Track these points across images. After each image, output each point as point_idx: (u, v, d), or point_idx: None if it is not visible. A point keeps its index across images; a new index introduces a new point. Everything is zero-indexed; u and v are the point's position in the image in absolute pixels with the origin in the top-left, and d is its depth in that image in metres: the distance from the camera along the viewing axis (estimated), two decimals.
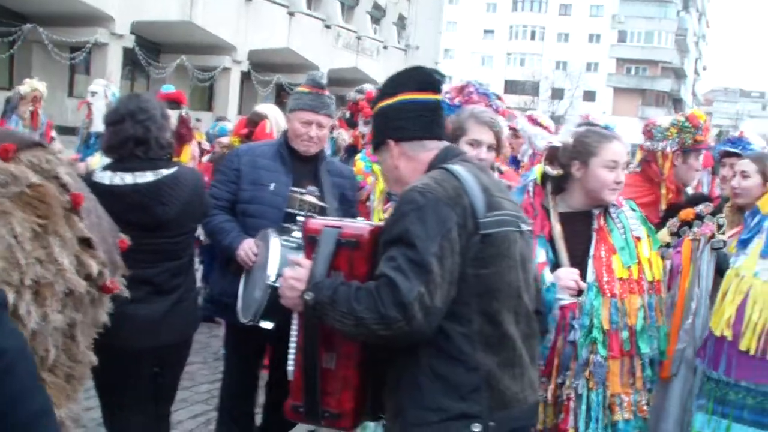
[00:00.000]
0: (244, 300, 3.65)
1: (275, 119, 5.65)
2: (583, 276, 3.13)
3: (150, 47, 25.03)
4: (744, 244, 3.42)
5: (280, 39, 28.38)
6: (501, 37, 71.03)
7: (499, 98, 4.51)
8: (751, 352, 3.19)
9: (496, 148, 3.55)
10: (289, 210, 3.71)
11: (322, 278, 2.23)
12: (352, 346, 2.30)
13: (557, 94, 59.52)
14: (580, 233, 3.24)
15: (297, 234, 3.47)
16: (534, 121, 6.21)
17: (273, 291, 3.16)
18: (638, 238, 3.28)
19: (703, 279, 3.77)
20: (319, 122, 3.89)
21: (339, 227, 2.33)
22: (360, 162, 4.99)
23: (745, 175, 4.09)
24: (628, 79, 68.08)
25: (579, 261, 3.17)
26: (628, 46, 68.27)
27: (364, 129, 5.90)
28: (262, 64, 28.16)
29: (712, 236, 3.79)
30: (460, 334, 2.23)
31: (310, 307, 2.22)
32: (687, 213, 3.98)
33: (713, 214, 3.90)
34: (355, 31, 33.26)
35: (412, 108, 2.44)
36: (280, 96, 27.80)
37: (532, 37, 70.72)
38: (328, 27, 31.40)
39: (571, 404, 3.08)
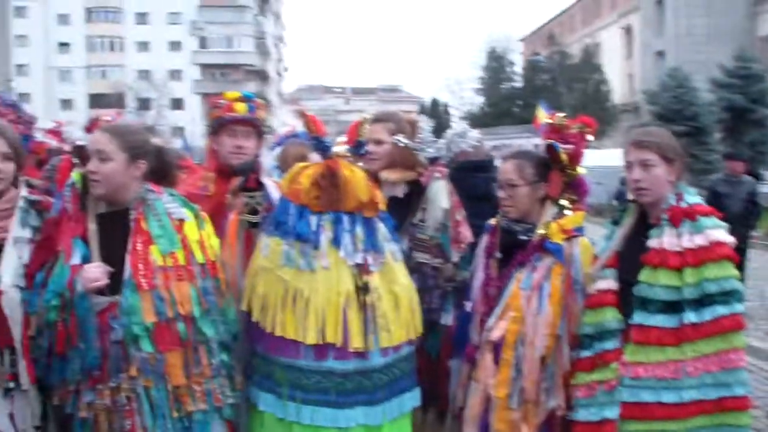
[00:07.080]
0: None
1: None
2: (122, 274, 3.02)
3: None
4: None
5: None
6: (78, 50, 68.08)
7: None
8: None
9: (14, 157, 3.20)
10: None
11: None
12: None
13: (144, 104, 58.69)
14: (119, 231, 3.12)
15: None
16: None
17: None
18: (181, 221, 3.19)
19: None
20: None
21: None
22: None
23: None
24: (214, 85, 68.96)
25: (119, 259, 3.05)
26: (210, 52, 69.35)
27: None
28: None
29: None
30: None
31: None
32: None
33: None
34: None
35: None
36: None
37: (111, 48, 68.90)
38: None
39: (134, 405, 3.00)
